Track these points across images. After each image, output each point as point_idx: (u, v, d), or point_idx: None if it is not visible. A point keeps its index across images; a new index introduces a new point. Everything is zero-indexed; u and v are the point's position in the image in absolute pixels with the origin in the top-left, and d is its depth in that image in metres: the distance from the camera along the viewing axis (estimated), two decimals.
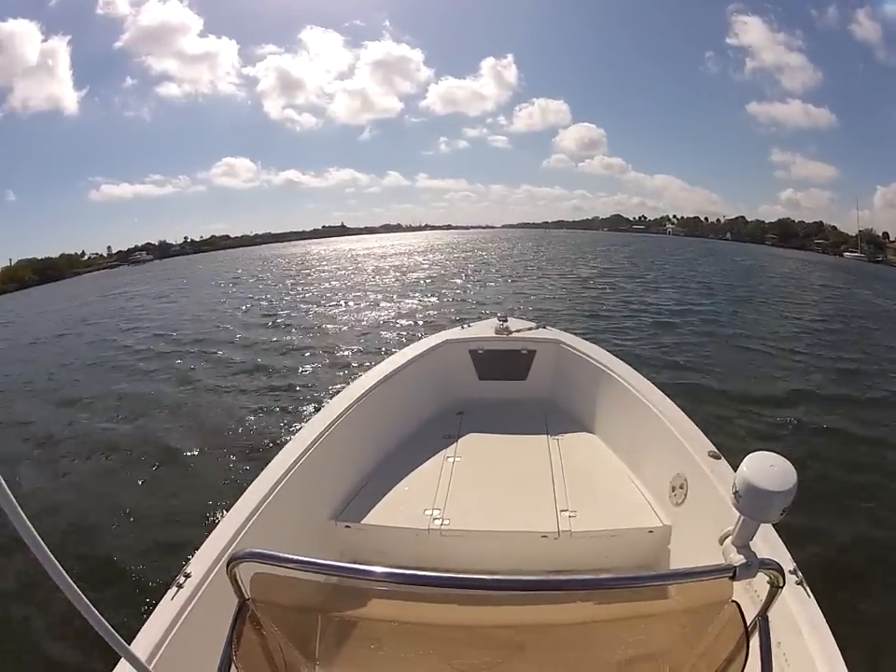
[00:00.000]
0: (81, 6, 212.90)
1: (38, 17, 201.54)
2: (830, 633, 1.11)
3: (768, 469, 0.85)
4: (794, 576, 1.22)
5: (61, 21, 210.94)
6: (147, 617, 1.17)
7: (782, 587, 0.87)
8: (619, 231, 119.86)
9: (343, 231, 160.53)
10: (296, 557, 0.87)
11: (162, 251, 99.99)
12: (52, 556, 0.62)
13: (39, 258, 79.02)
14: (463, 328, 3.29)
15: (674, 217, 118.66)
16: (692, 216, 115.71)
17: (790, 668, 1.08)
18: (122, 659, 0.83)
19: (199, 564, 1.29)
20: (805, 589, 1.21)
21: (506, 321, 3.12)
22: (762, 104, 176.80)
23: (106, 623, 0.69)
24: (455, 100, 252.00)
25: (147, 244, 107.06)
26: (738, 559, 0.87)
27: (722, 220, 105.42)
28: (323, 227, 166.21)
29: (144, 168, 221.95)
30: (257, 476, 1.72)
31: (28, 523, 0.58)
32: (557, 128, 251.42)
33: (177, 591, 1.22)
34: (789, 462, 0.87)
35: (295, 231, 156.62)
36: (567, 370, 2.92)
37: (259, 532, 1.47)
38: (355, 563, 0.93)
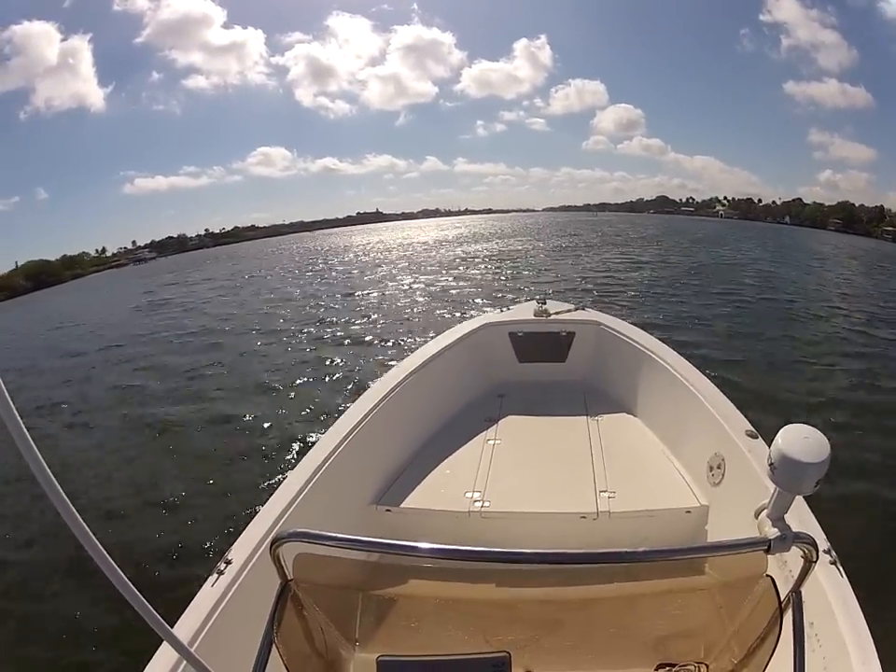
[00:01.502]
0: (97, 4, 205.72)
1: (53, 17, 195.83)
2: (861, 615, 1.10)
3: (803, 440, 0.86)
4: (828, 555, 1.21)
5: (78, 20, 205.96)
6: (189, 602, 1.17)
7: (815, 562, 0.88)
8: (666, 213, 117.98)
9: (378, 217, 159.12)
10: (340, 535, 0.89)
11: (180, 245, 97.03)
12: (93, 536, 0.60)
13: (47, 259, 72.29)
14: (502, 310, 3.35)
15: (724, 198, 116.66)
16: (737, 197, 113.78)
17: (821, 649, 1.07)
18: (164, 643, 0.82)
19: (240, 549, 1.33)
20: (839, 569, 1.20)
21: (545, 303, 3.19)
22: (798, 83, 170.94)
23: (149, 606, 0.68)
24: (490, 83, 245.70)
25: (168, 237, 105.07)
26: (773, 532, 0.88)
27: (779, 202, 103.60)
28: (357, 213, 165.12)
29: (177, 160, 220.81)
30: (298, 461, 1.78)
31: (71, 506, 0.57)
32: (595, 109, 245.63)
33: (219, 576, 1.23)
34: (822, 434, 0.88)
35: (328, 218, 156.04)
36: (606, 351, 2.99)
37: (300, 517, 1.50)
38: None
